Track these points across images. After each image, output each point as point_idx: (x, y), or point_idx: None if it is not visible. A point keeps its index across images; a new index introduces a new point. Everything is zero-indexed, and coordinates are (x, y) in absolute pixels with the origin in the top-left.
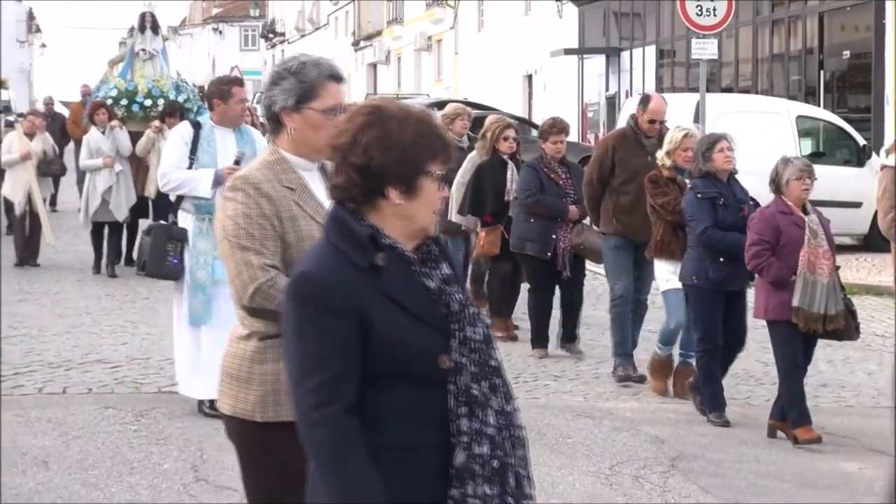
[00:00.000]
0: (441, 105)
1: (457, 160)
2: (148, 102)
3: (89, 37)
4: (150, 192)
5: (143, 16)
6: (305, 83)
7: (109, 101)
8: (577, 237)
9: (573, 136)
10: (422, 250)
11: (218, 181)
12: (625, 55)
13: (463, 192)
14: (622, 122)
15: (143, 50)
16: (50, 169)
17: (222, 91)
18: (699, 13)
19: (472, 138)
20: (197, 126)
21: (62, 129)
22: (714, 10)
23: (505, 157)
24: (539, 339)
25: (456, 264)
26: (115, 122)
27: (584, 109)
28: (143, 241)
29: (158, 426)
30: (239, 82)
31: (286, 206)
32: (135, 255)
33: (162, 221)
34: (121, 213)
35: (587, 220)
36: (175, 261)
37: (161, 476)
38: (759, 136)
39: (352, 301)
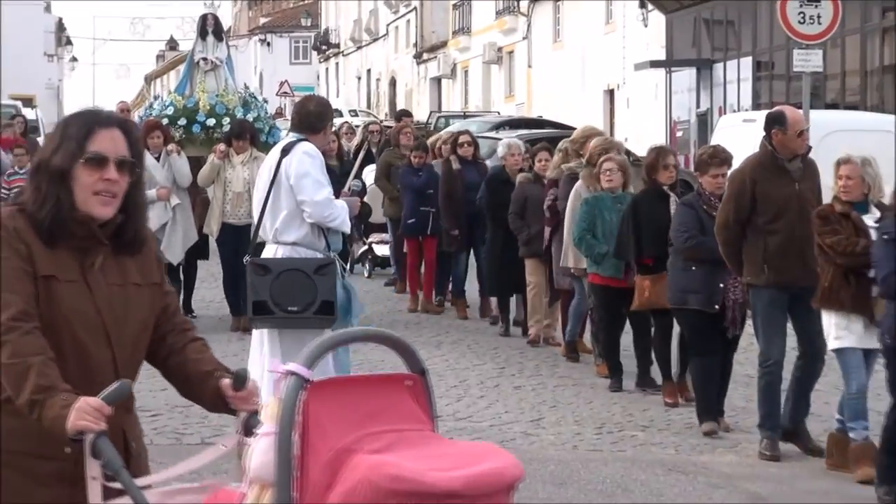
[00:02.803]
0: (512, 124)
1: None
2: (211, 122)
3: (124, 50)
4: (211, 229)
5: (204, 18)
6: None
7: (165, 121)
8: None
9: None
10: None
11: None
12: (718, 68)
13: (573, 226)
14: (720, 141)
15: (205, 59)
16: None
17: (309, 112)
18: (801, 21)
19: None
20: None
21: None
22: (818, 17)
23: (665, 188)
24: (707, 411)
25: None
26: (171, 146)
27: (673, 128)
28: (254, 279)
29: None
30: (328, 104)
31: None
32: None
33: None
34: (175, 254)
35: None
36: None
37: None
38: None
39: None
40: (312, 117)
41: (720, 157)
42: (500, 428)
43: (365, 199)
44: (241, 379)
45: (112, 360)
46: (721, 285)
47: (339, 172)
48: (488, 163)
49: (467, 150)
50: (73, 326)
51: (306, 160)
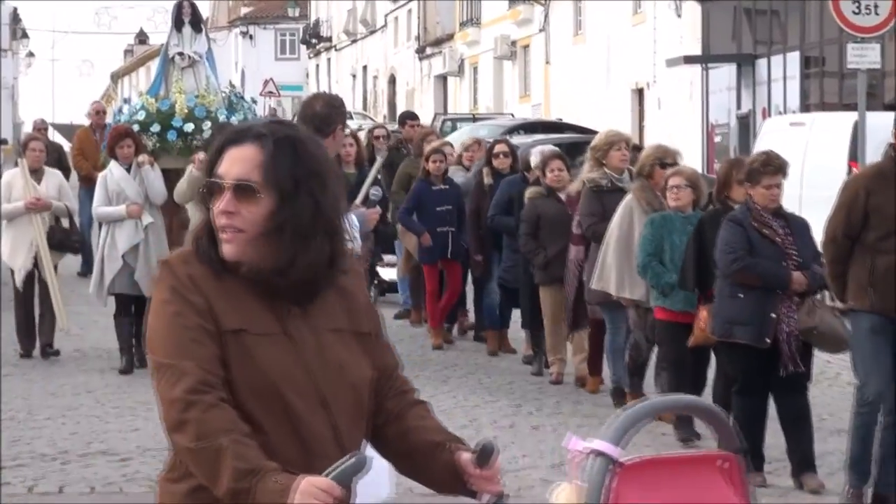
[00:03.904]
0: (528, 127)
1: (589, 205)
2: (189, 127)
3: (88, 44)
4: None
5: (179, 6)
6: None
7: (136, 128)
8: (806, 317)
9: (696, 164)
10: None
11: (361, 227)
12: (761, 64)
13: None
14: (764, 148)
15: (181, 54)
16: (67, 240)
17: (314, 114)
18: (856, 11)
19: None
20: None
21: (59, 163)
22: (875, 6)
23: (737, 206)
24: (754, 458)
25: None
26: (143, 157)
27: (710, 132)
28: None
29: None
30: (340, 103)
31: None
32: None
33: None
34: (147, 283)
35: (821, 293)
36: None
37: None
38: None
39: None
40: (318, 120)
41: (774, 165)
42: (517, 474)
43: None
44: (486, 453)
45: (331, 426)
46: (773, 315)
47: (353, 181)
48: None
49: (504, 161)
50: (277, 389)
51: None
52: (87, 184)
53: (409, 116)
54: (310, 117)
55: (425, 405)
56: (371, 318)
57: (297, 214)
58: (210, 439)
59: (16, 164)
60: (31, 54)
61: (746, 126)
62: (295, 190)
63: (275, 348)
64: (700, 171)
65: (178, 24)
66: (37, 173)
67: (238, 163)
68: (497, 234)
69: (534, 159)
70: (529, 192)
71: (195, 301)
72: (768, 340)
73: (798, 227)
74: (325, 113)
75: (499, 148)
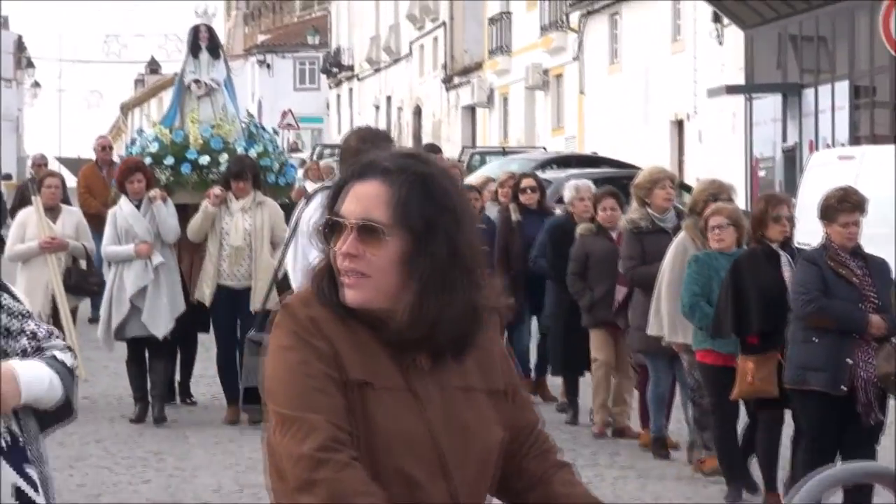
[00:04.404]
0: (562, 161)
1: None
2: (205, 160)
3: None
4: (203, 293)
5: (195, 31)
6: None
7: (148, 161)
8: (885, 363)
9: (739, 200)
10: None
11: None
12: (808, 94)
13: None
14: (811, 183)
15: (198, 82)
16: (85, 283)
17: (348, 151)
18: None
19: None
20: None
21: (63, 201)
22: None
23: (775, 245)
24: None
25: None
26: (155, 192)
27: (754, 166)
28: (249, 361)
29: None
30: (378, 137)
31: None
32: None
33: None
34: (158, 326)
35: None
36: None
37: None
38: None
39: None
40: (348, 154)
41: (852, 202)
42: None
43: None
44: None
45: (450, 496)
46: (849, 361)
47: None
48: None
49: (531, 196)
50: (394, 453)
51: (320, 210)
52: (97, 223)
53: (432, 149)
54: (343, 153)
55: (570, 468)
56: (506, 372)
57: (430, 258)
58: (344, 502)
59: (21, 201)
60: (36, 84)
61: (792, 160)
62: (427, 230)
63: (397, 406)
64: (743, 207)
65: (194, 49)
66: (53, 211)
67: (362, 200)
68: (534, 276)
69: (567, 193)
70: (580, 230)
71: (319, 346)
72: (844, 388)
73: (877, 267)
74: (358, 149)
75: (525, 182)
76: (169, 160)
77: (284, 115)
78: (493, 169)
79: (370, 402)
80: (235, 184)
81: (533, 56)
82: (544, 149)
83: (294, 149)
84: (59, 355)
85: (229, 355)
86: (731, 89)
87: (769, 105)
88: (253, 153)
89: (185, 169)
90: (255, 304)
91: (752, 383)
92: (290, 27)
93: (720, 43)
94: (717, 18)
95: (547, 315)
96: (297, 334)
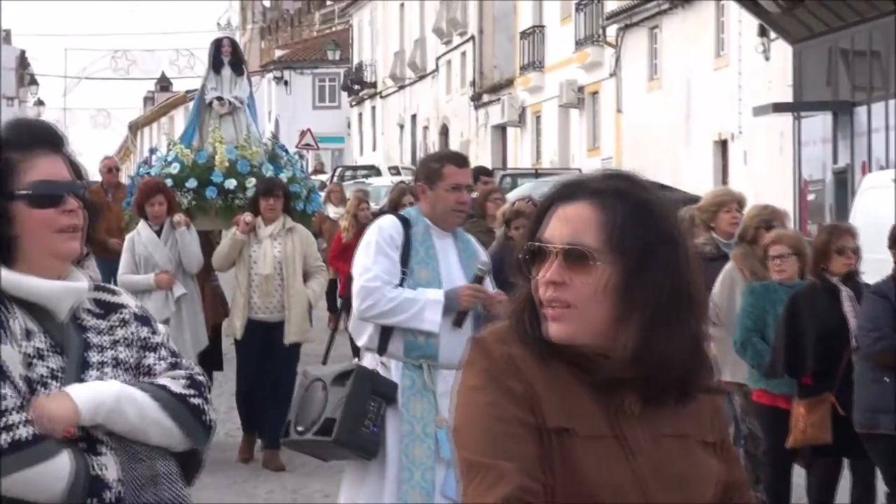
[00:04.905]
0: None
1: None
2: (231, 184)
3: (103, 91)
4: (234, 327)
5: (217, 45)
6: None
7: (169, 182)
8: None
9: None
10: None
11: (450, 307)
12: (860, 112)
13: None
14: (864, 207)
15: (220, 99)
16: None
17: (430, 171)
18: None
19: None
20: (407, 223)
21: None
22: None
23: (835, 279)
24: None
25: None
26: (179, 217)
27: (803, 189)
28: (303, 395)
29: None
30: (457, 160)
31: None
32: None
33: (363, 365)
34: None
35: None
36: (374, 428)
37: None
38: None
39: None
40: (419, 176)
41: None
42: None
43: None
44: None
45: None
46: None
47: None
48: None
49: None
50: None
51: (370, 235)
52: (102, 251)
53: (483, 172)
54: (416, 174)
55: None
56: (717, 422)
57: (651, 289)
58: None
59: None
60: (40, 102)
61: (844, 182)
62: (644, 259)
63: (604, 455)
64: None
65: (216, 64)
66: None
67: (570, 223)
68: None
69: None
70: None
71: (514, 388)
72: None
73: None
74: (426, 172)
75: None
76: (191, 183)
77: (303, 134)
78: (525, 192)
79: (571, 451)
80: (265, 201)
81: (567, 72)
82: (579, 171)
83: (317, 170)
84: (172, 385)
85: (251, 390)
86: (779, 107)
87: (819, 124)
88: (283, 177)
89: (210, 193)
90: (290, 337)
91: (803, 430)
92: (310, 42)
93: (766, 58)
94: (763, 32)
95: None
96: (490, 374)
